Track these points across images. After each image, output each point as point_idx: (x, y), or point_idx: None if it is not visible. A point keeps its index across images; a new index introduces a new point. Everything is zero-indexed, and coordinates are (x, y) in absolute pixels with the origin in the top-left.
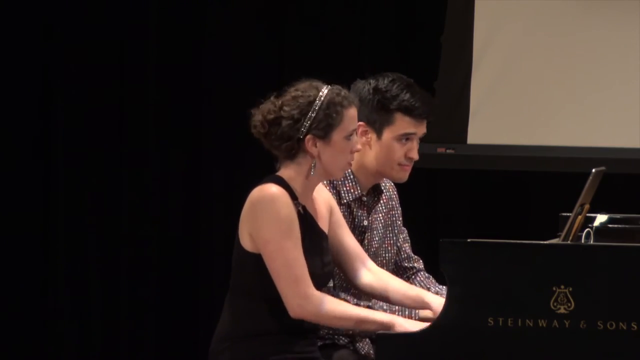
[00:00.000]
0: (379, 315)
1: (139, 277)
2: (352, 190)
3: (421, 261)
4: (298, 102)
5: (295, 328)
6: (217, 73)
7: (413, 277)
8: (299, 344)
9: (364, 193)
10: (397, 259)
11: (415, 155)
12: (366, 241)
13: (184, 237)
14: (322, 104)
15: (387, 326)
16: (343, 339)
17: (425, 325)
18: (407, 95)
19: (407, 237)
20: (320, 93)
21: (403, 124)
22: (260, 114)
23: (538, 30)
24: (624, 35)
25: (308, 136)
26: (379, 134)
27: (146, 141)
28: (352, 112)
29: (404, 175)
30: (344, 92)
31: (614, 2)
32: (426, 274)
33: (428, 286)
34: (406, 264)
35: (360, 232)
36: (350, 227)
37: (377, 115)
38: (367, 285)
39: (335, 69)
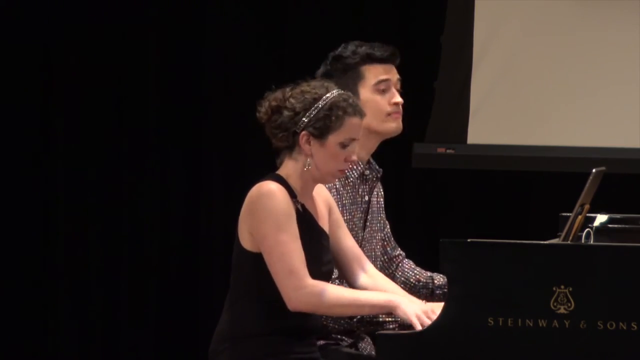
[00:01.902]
0: (379, 297)
1: (139, 277)
2: (354, 167)
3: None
4: (304, 96)
5: (295, 328)
6: (218, 73)
7: (400, 265)
8: (299, 345)
9: (366, 167)
10: (388, 249)
11: (398, 99)
12: (367, 222)
13: (184, 237)
14: (325, 104)
15: (389, 308)
16: (345, 339)
17: (427, 306)
18: (364, 47)
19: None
20: (328, 94)
21: (373, 72)
22: (268, 100)
23: (538, 30)
24: (624, 35)
25: (303, 132)
26: (355, 94)
27: (146, 141)
28: (355, 121)
29: (397, 125)
30: (352, 99)
31: (614, 2)
32: (408, 260)
33: (413, 272)
34: (396, 253)
35: (364, 210)
36: (356, 206)
37: (347, 78)
38: (362, 288)
39: None
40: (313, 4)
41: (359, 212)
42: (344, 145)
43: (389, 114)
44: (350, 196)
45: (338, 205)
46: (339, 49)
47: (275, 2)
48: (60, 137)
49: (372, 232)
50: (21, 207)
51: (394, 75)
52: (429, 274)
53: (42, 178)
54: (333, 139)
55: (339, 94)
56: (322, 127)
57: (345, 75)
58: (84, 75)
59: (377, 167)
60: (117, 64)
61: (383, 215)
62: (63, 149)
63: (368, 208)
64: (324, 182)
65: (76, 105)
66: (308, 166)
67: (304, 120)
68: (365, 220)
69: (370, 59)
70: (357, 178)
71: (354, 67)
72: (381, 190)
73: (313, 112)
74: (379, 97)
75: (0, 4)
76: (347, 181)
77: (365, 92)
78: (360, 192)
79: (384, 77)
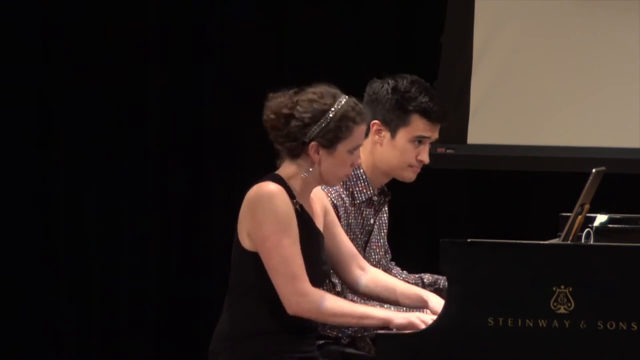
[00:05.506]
0: (378, 312)
1: (139, 277)
2: (364, 191)
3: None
4: (312, 106)
5: (295, 328)
6: (217, 73)
7: (391, 273)
8: (298, 344)
9: (375, 193)
10: (383, 261)
11: (426, 159)
12: (368, 243)
13: (184, 237)
14: (335, 115)
15: (386, 322)
16: (344, 338)
17: (426, 316)
18: (426, 98)
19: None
20: (337, 104)
21: (419, 126)
22: (275, 105)
23: (538, 30)
24: (624, 36)
25: (313, 142)
26: (393, 133)
27: (146, 141)
28: (362, 128)
29: (412, 176)
30: (358, 107)
31: (614, 2)
32: (396, 267)
33: (401, 277)
34: (391, 265)
35: (367, 232)
36: (359, 227)
37: (394, 115)
38: (363, 286)
39: (335, 69)
40: (313, 3)
41: (362, 234)
42: (351, 152)
43: (411, 166)
44: (356, 216)
45: (343, 223)
46: (403, 82)
47: (275, 1)
48: (60, 135)
49: (370, 250)
50: (21, 207)
51: (434, 135)
52: (416, 275)
53: (42, 176)
54: (342, 148)
55: (346, 102)
56: (333, 138)
57: (393, 109)
58: (85, 75)
59: (386, 190)
60: (118, 63)
61: (385, 231)
62: (63, 148)
63: (371, 231)
64: (329, 184)
65: (76, 104)
66: (305, 173)
67: (313, 131)
68: (367, 242)
69: (425, 114)
70: (364, 202)
71: (406, 110)
72: (386, 208)
73: (323, 123)
74: (411, 148)
75: (0, 4)
76: (354, 202)
77: (402, 138)
78: (364, 215)
79: (427, 134)
